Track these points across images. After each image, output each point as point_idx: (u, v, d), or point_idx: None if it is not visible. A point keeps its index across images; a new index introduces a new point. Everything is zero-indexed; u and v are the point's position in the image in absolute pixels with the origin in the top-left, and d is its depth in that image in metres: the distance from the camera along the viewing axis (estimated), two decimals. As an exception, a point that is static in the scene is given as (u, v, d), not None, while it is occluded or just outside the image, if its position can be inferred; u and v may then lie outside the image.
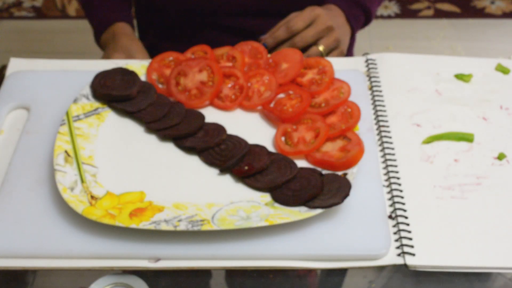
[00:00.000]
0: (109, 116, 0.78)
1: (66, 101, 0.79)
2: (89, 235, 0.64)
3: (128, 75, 0.80)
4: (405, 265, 0.63)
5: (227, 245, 0.63)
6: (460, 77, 0.86)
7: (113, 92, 0.78)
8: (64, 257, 0.63)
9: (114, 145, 0.74)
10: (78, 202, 0.64)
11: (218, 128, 0.75)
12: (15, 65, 0.86)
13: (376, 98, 0.82)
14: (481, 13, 2.34)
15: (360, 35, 1.21)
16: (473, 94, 0.83)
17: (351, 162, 0.69)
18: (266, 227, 0.64)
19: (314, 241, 0.64)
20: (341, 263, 0.63)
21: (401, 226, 0.66)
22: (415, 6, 2.30)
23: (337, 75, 0.81)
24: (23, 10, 2.34)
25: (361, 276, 0.63)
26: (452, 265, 0.63)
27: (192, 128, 0.75)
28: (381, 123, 0.78)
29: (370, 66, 0.87)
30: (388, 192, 0.70)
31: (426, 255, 0.63)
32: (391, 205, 0.68)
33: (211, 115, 0.78)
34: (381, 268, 0.63)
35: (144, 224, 0.62)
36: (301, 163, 0.71)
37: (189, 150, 0.73)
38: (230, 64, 0.83)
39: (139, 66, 0.83)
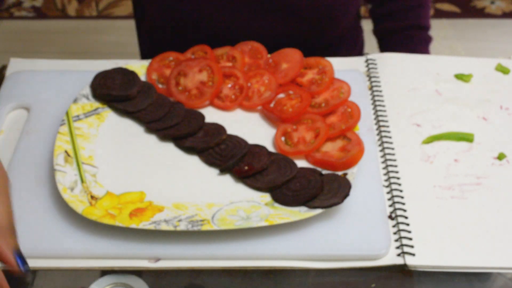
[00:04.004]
0: (109, 116, 0.78)
1: (66, 101, 0.79)
2: (89, 235, 0.64)
3: (128, 75, 0.80)
4: (405, 265, 0.63)
5: (227, 245, 0.63)
6: (460, 77, 0.85)
7: (113, 92, 0.78)
8: (64, 257, 0.63)
9: (114, 145, 0.74)
10: (78, 202, 0.64)
11: (218, 128, 0.75)
12: (15, 65, 0.86)
13: (376, 98, 0.82)
14: (481, 13, 2.34)
15: (360, 35, 1.21)
16: (473, 94, 0.83)
17: (351, 162, 0.69)
18: (266, 227, 0.64)
19: (314, 241, 0.64)
20: (341, 263, 0.63)
21: (401, 226, 0.66)
22: (415, 6, 2.29)
23: (337, 75, 0.81)
24: (23, 10, 2.34)
25: (361, 276, 0.63)
26: (452, 265, 0.63)
27: (192, 128, 0.75)
28: (381, 123, 0.78)
29: (370, 66, 0.87)
30: (388, 192, 0.70)
31: (426, 255, 0.63)
32: (391, 205, 0.68)
33: (211, 115, 0.78)
34: (381, 268, 0.63)
35: (144, 224, 0.62)
36: (301, 163, 0.71)
37: (189, 150, 0.73)
38: (230, 64, 0.83)
39: (139, 66, 0.83)
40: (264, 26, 0.94)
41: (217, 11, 0.93)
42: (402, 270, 0.63)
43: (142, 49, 1.10)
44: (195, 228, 0.62)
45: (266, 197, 0.68)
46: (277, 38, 0.91)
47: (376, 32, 1.09)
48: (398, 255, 0.64)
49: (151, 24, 1.02)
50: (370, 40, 1.13)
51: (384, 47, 1.07)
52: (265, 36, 0.89)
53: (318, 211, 0.64)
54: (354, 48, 1.08)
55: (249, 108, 0.79)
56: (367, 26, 1.12)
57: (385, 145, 0.75)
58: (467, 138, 0.76)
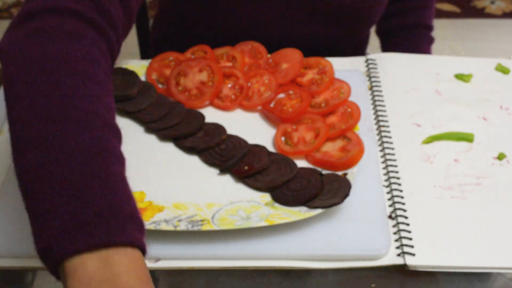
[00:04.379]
0: (109, 116, 0.77)
1: (66, 101, 0.79)
2: (89, 235, 0.64)
3: (128, 75, 0.80)
4: (405, 265, 0.63)
5: (227, 245, 0.63)
6: (460, 77, 0.86)
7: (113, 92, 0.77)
8: (64, 257, 0.63)
9: (114, 145, 0.74)
10: (78, 202, 0.64)
11: (218, 128, 0.75)
12: (15, 65, 0.85)
13: (376, 98, 0.82)
14: (481, 13, 2.34)
15: (360, 35, 1.20)
16: (473, 94, 0.83)
17: (351, 162, 0.69)
18: (266, 227, 0.64)
19: (314, 241, 0.64)
20: (341, 263, 0.63)
21: (401, 226, 0.66)
22: (415, 6, 2.29)
23: (337, 75, 0.81)
24: (23, 10, 2.34)
25: (361, 276, 0.63)
26: (452, 265, 0.63)
27: (192, 128, 0.75)
28: (381, 123, 0.78)
29: (370, 66, 0.87)
30: (388, 192, 0.70)
31: (426, 255, 0.63)
32: (391, 205, 0.68)
33: (211, 115, 0.78)
34: (381, 268, 0.63)
35: (144, 224, 0.62)
36: (301, 163, 0.71)
37: (189, 150, 0.73)
38: (230, 64, 0.83)
39: (139, 66, 0.83)
40: (298, 25, 0.92)
41: (248, 9, 0.89)
42: (402, 270, 0.63)
43: (149, 47, 1.08)
44: (195, 228, 0.62)
45: (266, 197, 0.68)
46: (308, 41, 0.91)
47: (380, 30, 1.10)
48: (398, 255, 0.64)
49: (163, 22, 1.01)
50: (369, 40, 1.14)
51: (388, 44, 1.08)
52: (299, 36, 0.90)
53: (318, 211, 0.64)
54: (365, 48, 1.08)
55: (249, 108, 0.79)
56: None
57: (385, 145, 0.75)
58: (467, 138, 0.76)
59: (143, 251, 0.49)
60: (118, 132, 0.55)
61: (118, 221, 0.47)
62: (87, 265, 0.45)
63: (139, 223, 0.50)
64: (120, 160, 0.52)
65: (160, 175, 0.70)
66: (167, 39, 1.01)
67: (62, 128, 0.50)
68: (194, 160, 0.72)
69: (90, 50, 0.56)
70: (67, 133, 0.50)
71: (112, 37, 0.60)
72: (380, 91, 0.83)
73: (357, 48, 1.03)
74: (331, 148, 0.72)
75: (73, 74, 0.54)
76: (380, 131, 0.77)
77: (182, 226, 0.62)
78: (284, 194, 0.67)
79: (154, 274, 0.63)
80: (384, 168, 0.72)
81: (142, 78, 0.82)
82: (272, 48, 0.85)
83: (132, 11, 0.65)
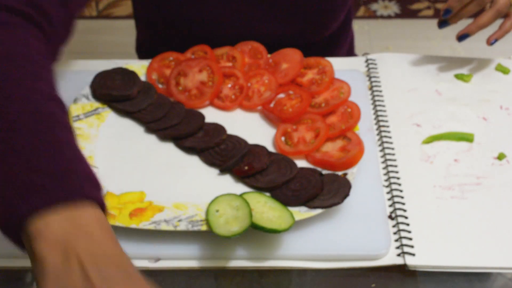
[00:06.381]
0: (109, 116, 0.77)
1: (66, 101, 0.78)
2: (89, 235, 0.64)
3: (128, 75, 0.80)
4: (405, 265, 0.63)
5: (227, 245, 0.63)
6: (460, 77, 0.86)
7: (113, 92, 0.78)
8: (64, 257, 0.63)
9: (114, 145, 0.74)
10: (78, 202, 0.64)
11: (218, 128, 0.75)
12: (15, 65, 0.85)
13: (376, 98, 0.82)
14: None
15: (360, 35, 1.20)
16: (473, 94, 0.83)
17: (351, 162, 0.69)
18: (266, 227, 0.64)
19: (314, 241, 0.64)
20: (341, 263, 0.63)
21: (401, 226, 0.66)
22: (415, 6, 2.30)
23: (337, 75, 0.81)
24: (23, 10, 2.34)
25: (361, 276, 0.63)
26: (452, 265, 0.63)
27: (192, 128, 0.75)
28: (381, 123, 0.78)
29: (370, 66, 0.87)
30: (388, 192, 0.70)
31: (426, 255, 0.63)
32: (391, 205, 0.68)
33: (211, 115, 0.78)
34: (381, 268, 0.63)
35: (144, 224, 0.62)
36: (301, 163, 0.71)
37: (189, 150, 0.73)
38: (230, 64, 0.83)
39: (139, 66, 0.83)
40: (257, 22, 0.92)
41: (208, 6, 0.90)
42: (402, 270, 0.63)
43: (138, 47, 1.09)
44: (195, 228, 0.62)
45: (266, 197, 0.68)
46: (270, 36, 0.91)
47: None
48: (398, 255, 0.64)
49: (145, 20, 1.02)
50: (365, 40, 1.13)
51: None
52: (259, 33, 0.89)
53: (318, 211, 0.64)
54: (344, 44, 1.06)
55: (249, 108, 0.79)
56: (363, 26, 1.12)
57: (385, 145, 0.75)
58: (467, 138, 0.76)
59: (103, 209, 0.49)
60: (62, 103, 0.56)
61: (74, 180, 0.48)
62: (51, 225, 0.45)
63: (96, 182, 0.50)
64: (67, 128, 0.53)
65: (160, 175, 0.70)
66: (147, 43, 1.04)
67: (3, 105, 0.51)
68: (194, 160, 0.72)
69: (21, 35, 0.59)
70: (10, 108, 0.51)
71: (43, 22, 0.62)
72: (380, 91, 0.83)
73: (333, 47, 1.01)
74: (331, 148, 0.72)
75: (5, 57, 0.56)
76: (380, 131, 0.77)
77: (182, 226, 0.62)
78: (284, 194, 0.67)
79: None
80: (384, 168, 0.73)
81: (142, 78, 0.82)
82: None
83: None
